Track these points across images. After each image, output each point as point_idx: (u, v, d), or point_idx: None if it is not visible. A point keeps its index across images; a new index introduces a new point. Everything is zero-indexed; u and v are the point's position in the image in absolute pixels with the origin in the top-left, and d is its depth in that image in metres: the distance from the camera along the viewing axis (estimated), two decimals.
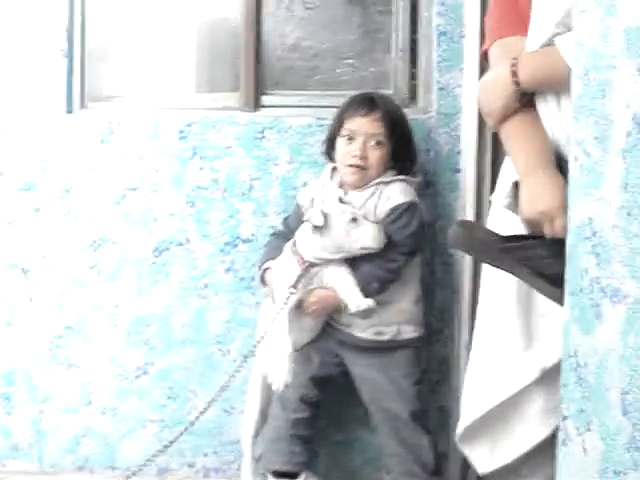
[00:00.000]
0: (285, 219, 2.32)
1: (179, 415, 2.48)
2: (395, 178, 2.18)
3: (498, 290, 1.69)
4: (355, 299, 2.06)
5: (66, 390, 2.50)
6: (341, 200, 2.17)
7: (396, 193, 2.16)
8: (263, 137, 2.40)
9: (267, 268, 2.24)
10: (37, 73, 2.44)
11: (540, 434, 1.65)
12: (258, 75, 2.46)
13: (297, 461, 2.25)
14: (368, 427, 2.43)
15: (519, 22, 1.59)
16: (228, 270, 2.44)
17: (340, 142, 2.20)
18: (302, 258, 2.13)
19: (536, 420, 1.67)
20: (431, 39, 2.40)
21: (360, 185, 2.18)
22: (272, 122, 2.40)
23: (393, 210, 2.15)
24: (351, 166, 2.17)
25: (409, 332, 2.21)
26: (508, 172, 1.60)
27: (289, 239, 2.22)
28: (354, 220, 2.10)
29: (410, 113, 2.38)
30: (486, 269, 1.77)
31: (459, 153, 2.37)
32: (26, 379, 2.51)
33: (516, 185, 1.49)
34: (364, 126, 2.16)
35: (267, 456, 2.26)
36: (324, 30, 2.50)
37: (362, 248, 2.10)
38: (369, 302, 2.06)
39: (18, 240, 2.47)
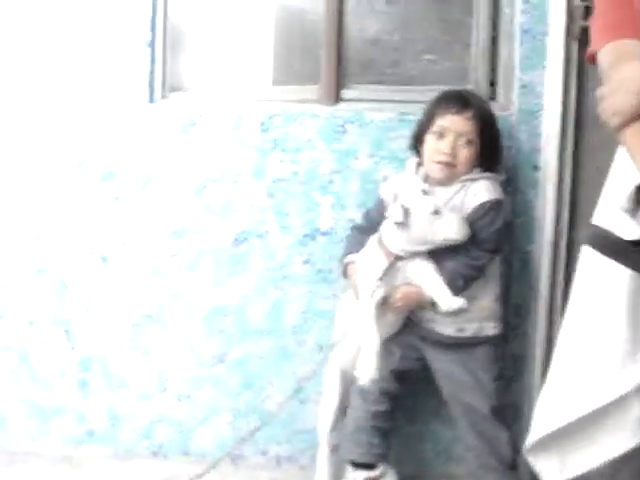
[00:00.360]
0: (366, 212, 2.33)
1: (254, 404, 2.52)
2: (482, 175, 2.19)
3: (602, 297, 1.66)
4: (447, 299, 2.08)
5: (142, 377, 2.54)
6: (425, 192, 2.17)
7: (483, 190, 2.17)
8: (344, 131, 2.42)
9: (350, 262, 2.25)
10: (120, 63, 2.46)
11: (629, 444, 1.64)
12: (339, 68, 2.47)
13: (375, 452, 2.28)
14: (440, 419, 2.46)
15: (635, 22, 1.59)
16: (306, 262, 2.46)
17: (429, 138, 2.20)
18: (389, 251, 2.14)
19: (628, 429, 1.65)
20: (512, 37, 2.40)
21: (446, 182, 2.19)
22: (353, 116, 2.41)
23: (480, 207, 2.16)
24: (440, 163, 2.17)
25: (490, 329, 2.23)
26: (626, 175, 1.60)
27: (371, 233, 2.23)
28: (436, 212, 2.10)
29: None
30: (582, 275, 1.74)
31: (539, 151, 2.38)
32: (103, 365, 2.54)
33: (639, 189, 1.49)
34: (456, 124, 2.16)
35: (346, 446, 2.29)
36: (404, 25, 2.51)
37: (445, 240, 2.10)
38: (461, 302, 2.08)
39: (98, 228, 2.50)
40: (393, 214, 2.11)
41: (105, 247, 2.50)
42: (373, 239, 2.20)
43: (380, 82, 2.52)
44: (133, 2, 2.46)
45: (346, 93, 2.49)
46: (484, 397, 2.21)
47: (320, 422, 2.34)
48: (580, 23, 2.30)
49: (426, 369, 2.28)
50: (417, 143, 2.26)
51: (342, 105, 2.47)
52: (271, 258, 2.47)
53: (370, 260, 2.18)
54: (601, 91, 1.55)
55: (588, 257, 1.64)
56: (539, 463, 1.74)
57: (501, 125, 2.36)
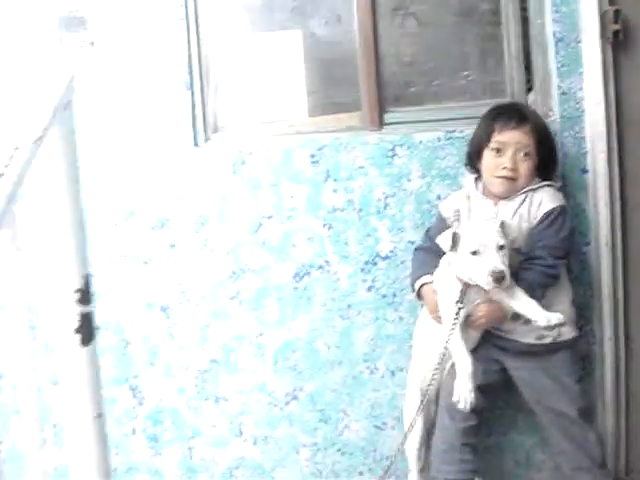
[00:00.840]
0: (427, 231, 2.35)
1: (331, 437, 2.50)
2: (542, 184, 2.24)
3: None
4: (544, 316, 2.07)
5: (215, 424, 2.49)
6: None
7: (547, 199, 2.22)
8: (394, 154, 2.44)
9: (424, 283, 2.26)
10: (161, 108, 2.43)
11: None
12: (380, 93, 2.49)
13: (468, 469, 2.29)
14: (517, 429, 2.49)
15: None
16: (370, 288, 2.46)
17: (488, 154, 2.23)
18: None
19: None
20: (545, 46, 2.46)
21: (508, 195, 2.23)
22: (402, 139, 2.44)
23: (547, 215, 2.20)
24: (501, 177, 2.21)
25: (568, 333, 2.26)
26: None
27: (435, 252, 2.25)
28: (501, 248, 2.07)
29: None
30: None
31: (585, 154, 2.44)
32: (173, 417, 2.49)
33: None
34: (514, 138, 2.20)
35: (439, 467, 2.29)
36: (437, 44, 2.55)
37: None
38: (560, 317, 2.07)
39: (155, 278, 2.45)
40: (441, 242, 2.13)
41: (164, 296, 2.46)
42: (444, 260, 2.22)
43: (420, 103, 2.55)
44: (169, 46, 2.43)
45: (388, 117, 2.51)
46: (570, 400, 2.24)
47: (407, 446, 2.33)
48: (612, 27, 2.38)
49: (507, 380, 2.31)
50: (474, 160, 2.29)
51: (387, 129, 2.49)
52: (334, 288, 2.46)
53: (445, 282, 2.18)
54: None
55: None
56: None
57: None
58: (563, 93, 2.44)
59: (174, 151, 2.44)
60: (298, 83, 2.60)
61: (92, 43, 2.41)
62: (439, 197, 2.43)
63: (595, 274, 2.45)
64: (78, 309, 1.17)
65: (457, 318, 2.12)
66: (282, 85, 2.60)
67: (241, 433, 2.50)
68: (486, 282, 2.04)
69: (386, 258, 2.46)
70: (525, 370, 2.26)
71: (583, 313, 2.48)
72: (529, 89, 2.52)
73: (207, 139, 2.48)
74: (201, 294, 2.46)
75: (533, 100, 2.50)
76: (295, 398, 2.49)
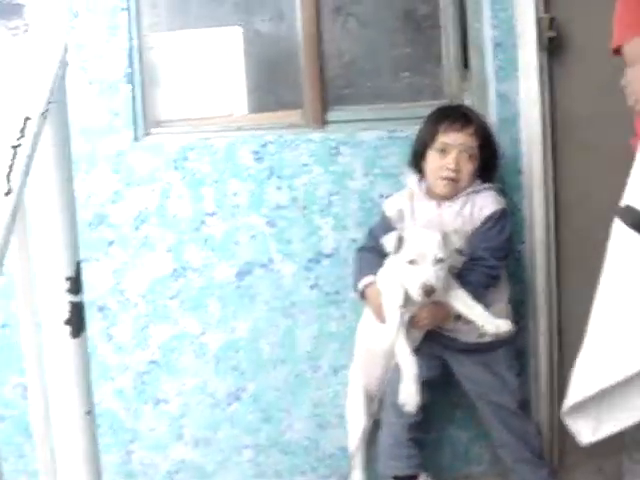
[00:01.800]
0: (370, 231, 2.35)
1: (274, 436, 2.47)
2: (484, 187, 2.29)
3: (634, 268, 1.77)
4: (493, 322, 2.10)
5: (155, 427, 2.42)
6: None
7: (489, 201, 2.26)
8: (338, 153, 2.44)
9: (368, 284, 2.25)
10: (101, 101, 2.35)
11: None
12: (323, 92, 2.49)
13: (415, 463, 2.31)
14: (455, 424, 2.54)
15: None
16: (313, 287, 2.45)
17: (432, 155, 2.26)
18: None
19: None
20: (483, 49, 2.53)
21: (451, 196, 2.27)
22: (345, 138, 2.44)
23: (489, 218, 2.24)
24: (445, 178, 2.24)
25: (505, 326, 2.32)
26: None
27: (379, 252, 2.26)
28: (439, 261, 2.08)
29: None
30: (614, 248, 1.83)
31: (521, 156, 2.51)
32: (111, 421, 2.40)
33: None
34: (459, 140, 2.23)
35: (387, 463, 2.30)
36: (377, 45, 2.57)
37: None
38: (508, 324, 2.10)
39: (93, 276, 2.36)
40: (385, 243, 2.13)
41: (102, 296, 2.37)
42: (388, 261, 2.22)
43: (360, 102, 2.57)
44: (111, 37, 2.35)
45: (331, 115, 2.51)
46: (511, 394, 2.30)
47: (350, 444, 2.32)
48: (548, 33, 2.47)
49: (449, 375, 2.35)
50: (418, 160, 2.32)
51: (330, 127, 2.49)
52: (277, 287, 2.44)
53: (390, 283, 2.18)
54: (627, 79, 1.71)
55: (619, 232, 1.78)
56: (576, 425, 1.87)
57: None
58: (500, 96, 2.51)
59: (113, 145, 2.36)
60: (239, 80, 2.57)
61: (26, 31, 2.30)
62: (382, 195, 2.45)
63: (530, 272, 2.53)
64: (68, 298, 1.11)
65: (401, 323, 2.12)
66: (223, 81, 2.56)
67: (182, 436, 2.43)
68: (416, 293, 2.06)
69: (329, 256, 2.45)
70: (467, 366, 2.31)
71: (519, 309, 2.55)
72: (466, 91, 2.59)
73: (147, 133, 2.42)
74: (140, 293, 2.39)
75: (469, 102, 2.56)
76: (237, 399, 2.45)
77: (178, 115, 2.50)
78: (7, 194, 0.78)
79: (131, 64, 2.37)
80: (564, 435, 2.56)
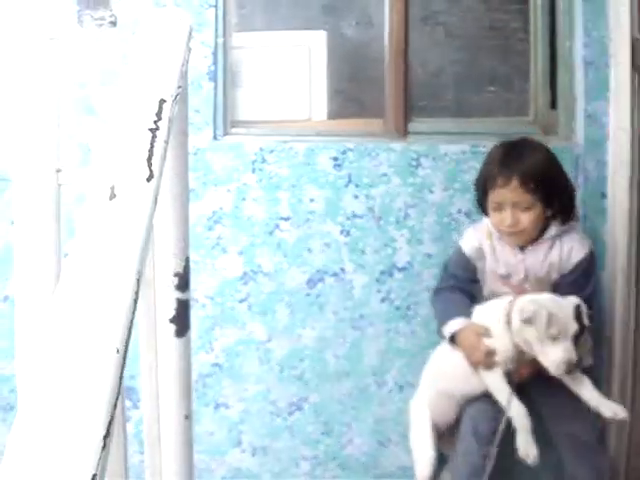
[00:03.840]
0: (446, 270, 2.22)
1: (333, 450, 2.41)
2: (566, 228, 2.16)
3: None
4: (611, 408, 2.03)
5: (214, 431, 2.38)
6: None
7: (577, 247, 2.15)
8: (418, 164, 2.38)
9: (461, 329, 2.11)
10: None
11: None
12: (406, 102, 2.44)
13: None
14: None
15: None
16: (384, 300, 2.39)
17: (490, 211, 2.14)
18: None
19: None
20: (573, 68, 2.46)
21: (522, 244, 2.15)
22: (427, 149, 2.39)
23: (578, 265, 2.15)
24: (506, 233, 2.13)
25: (587, 360, 2.23)
26: None
27: (462, 290, 2.18)
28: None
29: (552, 140, 2.44)
30: None
31: (606, 179, 2.43)
32: None
33: None
34: (507, 196, 2.09)
35: None
36: (464, 57, 2.52)
37: None
38: (625, 411, 2.04)
39: None
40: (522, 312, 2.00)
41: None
42: (493, 313, 2.10)
43: (443, 114, 2.51)
44: (196, 32, 2.32)
45: (413, 126, 2.45)
46: (589, 426, 2.20)
47: (418, 473, 2.21)
48: None
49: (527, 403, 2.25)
50: (483, 208, 2.19)
51: (411, 138, 2.43)
52: (348, 297, 2.38)
53: (497, 341, 2.07)
54: None
55: None
56: None
57: (567, 155, 2.41)
58: (588, 116, 2.43)
59: (192, 143, 2.30)
60: (320, 84, 2.53)
61: (113, 23, 2.28)
62: (460, 211, 2.39)
63: (609, 301, 2.44)
64: (175, 295, 1.06)
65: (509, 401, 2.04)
66: (303, 85, 2.52)
67: (240, 442, 2.39)
68: (557, 370, 1.98)
69: (402, 269, 2.39)
70: (548, 396, 2.21)
71: (595, 338, 2.47)
72: (553, 109, 2.51)
73: (227, 133, 2.38)
74: (209, 294, 2.35)
75: (556, 123, 2.49)
76: (299, 409, 2.39)
77: (258, 116, 2.46)
78: (149, 180, 0.74)
79: (215, 62, 2.34)
80: (629, 469, 2.47)
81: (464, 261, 2.19)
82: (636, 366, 2.46)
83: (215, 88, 2.34)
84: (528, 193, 2.08)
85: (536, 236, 2.15)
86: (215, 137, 2.35)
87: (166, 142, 0.82)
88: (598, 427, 2.22)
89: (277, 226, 2.35)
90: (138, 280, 0.65)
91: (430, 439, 2.20)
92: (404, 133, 2.44)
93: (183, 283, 1.06)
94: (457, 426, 2.23)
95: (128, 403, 2.03)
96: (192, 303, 2.28)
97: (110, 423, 0.51)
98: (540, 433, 2.27)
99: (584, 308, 2.02)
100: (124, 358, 0.57)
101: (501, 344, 2.06)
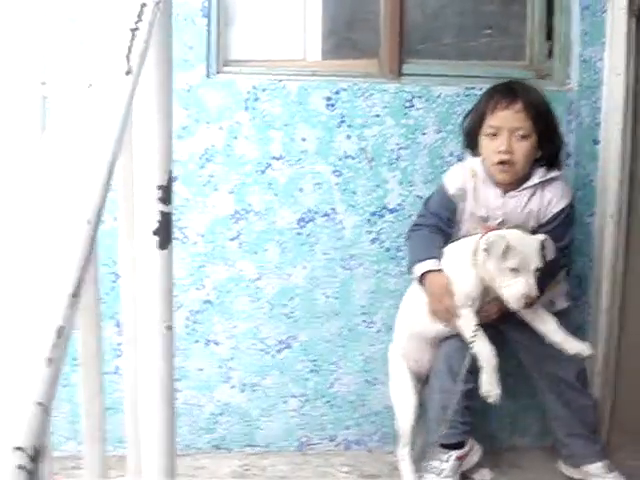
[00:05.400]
0: (427, 208, 2.23)
1: (321, 388, 2.44)
2: (551, 177, 2.15)
3: None
4: (575, 347, 2.06)
5: (203, 367, 2.40)
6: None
7: (557, 197, 2.15)
8: (411, 106, 2.38)
9: (431, 270, 2.13)
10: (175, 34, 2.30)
11: None
12: (401, 43, 2.42)
13: (465, 430, 2.26)
14: (504, 394, 2.47)
15: None
16: (374, 240, 2.41)
17: (484, 140, 2.14)
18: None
19: None
20: (569, 13, 2.44)
21: (510, 181, 2.14)
22: (420, 90, 2.38)
23: (557, 215, 2.15)
24: (498, 163, 2.11)
25: (562, 303, 2.26)
26: None
27: (439, 230, 2.18)
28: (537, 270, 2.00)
29: (547, 85, 2.44)
30: None
31: (599, 125, 2.43)
32: None
33: None
34: (506, 119, 2.09)
35: (438, 430, 2.24)
36: (462, 0, 2.49)
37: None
38: (589, 349, 2.06)
39: None
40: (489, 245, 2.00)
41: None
42: (462, 250, 2.11)
43: (438, 57, 2.50)
44: None
45: (407, 67, 2.44)
46: (568, 365, 2.23)
47: (401, 425, 2.23)
48: (639, 1, 2.37)
49: (505, 344, 2.29)
50: (471, 143, 2.20)
51: (405, 80, 2.42)
52: (338, 237, 2.40)
53: (464, 277, 2.08)
54: None
55: None
56: None
57: (562, 100, 2.41)
58: (584, 61, 2.43)
59: (184, 80, 2.31)
60: (314, 24, 2.51)
61: None
62: (452, 153, 2.39)
63: (597, 246, 2.46)
64: (159, 208, 1.07)
65: (478, 324, 2.06)
66: (298, 25, 2.50)
67: (229, 379, 2.42)
68: (517, 303, 1.99)
69: (393, 211, 2.40)
70: (524, 338, 2.24)
71: (581, 284, 2.49)
72: (549, 54, 2.50)
73: (220, 71, 2.37)
74: (200, 232, 2.36)
75: (551, 67, 2.48)
76: (288, 347, 2.42)
77: (251, 55, 2.45)
78: (127, 73, 0.74)
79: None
80: (614, 414, 2.51)
81: (446, 200, 2.20)
82: (623, 311, 2.49)
83: (208, 25, 2.33)
84: (529, 119, 2.09)
85: (522, 177, 2.14)
86: (208, 75, 2.33)
87: (146, 43, 0.82)
88: (578, 366, 2.25)
89: (269, 165, 2.36)
90: (112, 162, 0.66)
91: (409, 391, 2.22)
92: (398, 74, 2.43)
93: (167, 196, 1.07)
94: None
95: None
96: (183, 240, 2.30)
97: (79, 285, 0.53)
98: (522, 375, 2.31)
99: (549, 244, 2.02)
100: (95, 230, 0.58)
101: (467, 280, 2.07)
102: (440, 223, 2.20)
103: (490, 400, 2.03)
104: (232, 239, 2.37)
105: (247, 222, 2.37)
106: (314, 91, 2.35)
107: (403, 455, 2.22)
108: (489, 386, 2.02)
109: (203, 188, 2.35)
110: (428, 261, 2.14)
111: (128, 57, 0.77)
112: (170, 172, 1.08)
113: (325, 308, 2.41)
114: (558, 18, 2.47)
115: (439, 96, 2.38)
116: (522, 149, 2.10)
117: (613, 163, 2.42)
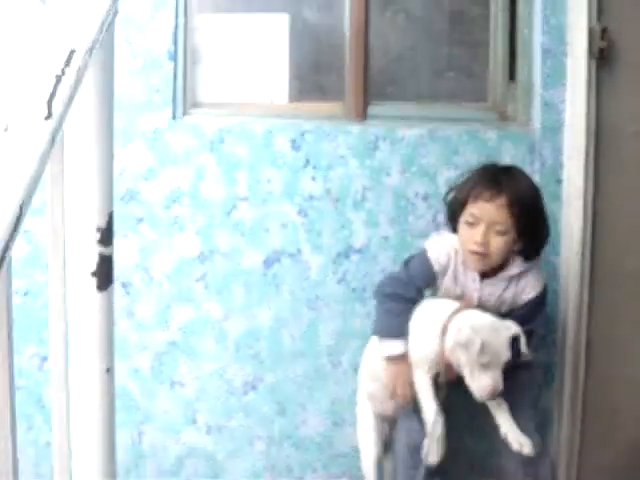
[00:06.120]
0: (409, 274, 2.11)
1: (288, 430, 2.43)
2: (526, 269, 2.12)
3: None
4: (518, 439, 2.03)
5: (168, 409, 2.39)
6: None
7: (531, 285, 2.13)
8: (376, 147, 2.41)
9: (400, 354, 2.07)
10: (141, 77, 2.33)
11: None
12: (366, 85, 2.46)
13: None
14: (472, 434, 2.47)
15: None
16: (340, 281, 2.41)
17: (463, 226, 2.09)
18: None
19: None
20: (531, 56, 2.49)
21: (484, 270, 2.10)
22: (385, 132, 2.41)
23: (531, 302, 2.14)
24: (474, 253, 2.07)
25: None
26: None
27: (417, 302, 2.11)
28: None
29: (510, 126, 2.48)
30: None
31: (562, 165, 2.46)
32: (125, 400, 2.37)
33: None
34: (488, 212, 2.03)
35: (407, 472, 2.22)
36: (425, 43, 2.54)
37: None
38: (530, 449, 2.02)
39: (119, 252, 2.33)
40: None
41: (126, 272, 2.35)
42: (433, 318, 2.06)
43: (403, 99, 2.53)
44: (157, 12, 2.33)
45: (372, 109, 2.47)
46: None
47: (364, 467, 2.21)
48: (598, 43, 2.42)
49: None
50: (453, 224, 2.15)
51: (370, 121, 2.45)
52: (304, 278, 2.40)
53: (427, 346, 2.05)
54: None
55: None
56: None
57: (524, 142, 2.45)
58: (545, 103, 2.46)
59: (151, 122, 2.34)
60: (281, 68, 2.54)
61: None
62: (417, 194, 2.41)
63: (563, 284, 2.47)
64: (98, 250, 1.08)
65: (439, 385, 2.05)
66: (265, 68, 2.53)
67: (195, 421, 2.40)
68: (481, 396, 1.97)
69: (359, 251, 2.42)
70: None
71: (547, 322, 2.49)
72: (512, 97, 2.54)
73: (186, 113, 2.39)
74: (166, 273, 2.36)
75: (513, 110, 2.52)
76: (254, 388, 2.41)
77: (218, 98, 2.48)
78: (47, 118, 0.75)
79: (175, 42, 2.35)
80: (583, 456, 2.51)
81: (430, 276, 2.12)
82: (588, 350, 2.50)
83: (175, 68, 2.36)
84: (511, 216, 2.02)
85: (497, 267, 2.11)
86: (174, 117, 2.36)
87: (72, 88, 0.83)
88: (537, 437, 2.15)
89: (235, 206, 2.37)
90: (22, 207, 0.66)
91: (373, 435, 2.21)
92: (363, 116, 2.46)
93: (106, 238, 1.08)
94: None
95: None
96: (148, 281, 2.30)
97: None
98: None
99: (523, 339, 1.99)
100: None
101: (430, 350, 2.03)
102: (419, 297, 2.13)
103: (428, 463, 2.03)
104: (198, 280, 2.37)
105: (213, 263, 2.37)
106: (279, 133, 2.38)
107: None
108: (431, 453, 2.01)
109: (169, 229, 2.36)
110: (396, 342, 2.07)
111: (50, 102, 0.79)
112: (111, 214, 1.09)
113: (291, 349, 2.41)
114: (520, 61, 2.51)
115: (403, 138, 2.41)
116: (498, 244, 2.05)
117: (576, 202, 2.45)
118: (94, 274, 1.08)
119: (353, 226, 2.41)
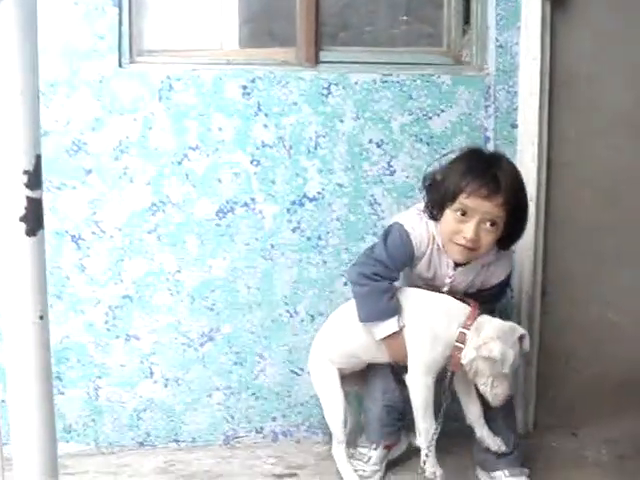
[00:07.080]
0: (389, 255, 2.03)
1: (246, 380, 2.42)
2: (500, 256, 2.10)
3: None
4: (494, 441, 2.11)
5: (124, 363, 2.36)
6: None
7: (500, 270, 2.12)
8: (329, 93, 2.36)
9: (394, 333, 2.03)
10: (85, 23, 2.25)
11: None
12: (317, 30, 2.40)
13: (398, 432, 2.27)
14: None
15: None
16: (294, 230, 2.38)
17: (450, 214, 1.99)
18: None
19: None
20: None
21: (465, 261, 2.06)
22: (337, 78, 2.36)
23: (493, 287, 2.14)
24: (459, 245, 2.00)
25: None
26: None
27: (394, 279, 2.08)
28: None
29: (465, 70, 2.45)
30: None
31: (516, 109, 2.44)
32: (80, 355, 2.34)
33: None
34: (484, 208, 1.95)
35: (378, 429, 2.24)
36: None
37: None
38: (503, 449, 2.11)
39: (68, 205, 2.29)
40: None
41: (76, 225, 2.30)
42: (448, 316, 2.02)
43: (355, 44, 2.49)
44: None
45: (324, 55, 2.42)
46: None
47: (331, 423, 2.16)
48: None
49: None
50: (435, 211, 2.04)
51: (322, 67, 2.40)
52: (258, 228, 2.37)
53: (431, 351, 2.01)
54: None
55: None
56: None
57: (480, 85, 2.42)
58: (500, 46, 2.43)
59: (96, 70, 2.26)
60: (231, 12, 2.48)
61: None
62: (371, 140, 2.38)
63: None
64: (25, 193, 1.03)
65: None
66: (214, 13, 2.46)
67: (151, 374, 2.38)
68: (497, 402, 1.99)
69: (313, 200, 2.39)
70: None
71: None
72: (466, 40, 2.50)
73: (132, 61, 2.32)
74: (117, 225, 2.31)
75: (468, 54, 2.49)
76: (211, 339, 2.39)
77: (166, 45, 2.41)
78: None
79: None
80: (540, 398, 2.54)
81: (409, 258, 2.07)
82: (544, 295, 2.52)
83: (120, 14, 2.28)
84: (505, 214, 1.97)
85: (477, 257, 2.06)
86: (120, 65, 2.29)
87: None
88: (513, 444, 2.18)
89: (185, 156, 2.32)
90: None
91: (341, 398, 2.16)
92: (315, 62, 2.41)
93: (34, 181, 1.03)
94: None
95: None
96: (100, 234, 2.26)
97: None
98: None
99: (527, 338, 2.02)
100: None
101: (443, 357, 2.01)
102: (398, 276, 2.09)
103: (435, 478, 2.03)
104: (150, 232, 2.33)
105: (165, 214, 2.33)
106: (230, 80, 2.32)
107: (339, 454, 2.17)
108: (432, 468, 2.02)
109: (119, 181, 2.30)
110: (390, 321, 2.03)
111: None
112: (38, 156, 1.05)
113: (247, 299, 2.39)
114: (474, 4, 2.47)
115: (356, 83, 2.37)
116: (488, 238, 1.99)
117: (530, 146, 2.43)
118: (22, 219, 1.03)
119: (307, 174, 2.37)
